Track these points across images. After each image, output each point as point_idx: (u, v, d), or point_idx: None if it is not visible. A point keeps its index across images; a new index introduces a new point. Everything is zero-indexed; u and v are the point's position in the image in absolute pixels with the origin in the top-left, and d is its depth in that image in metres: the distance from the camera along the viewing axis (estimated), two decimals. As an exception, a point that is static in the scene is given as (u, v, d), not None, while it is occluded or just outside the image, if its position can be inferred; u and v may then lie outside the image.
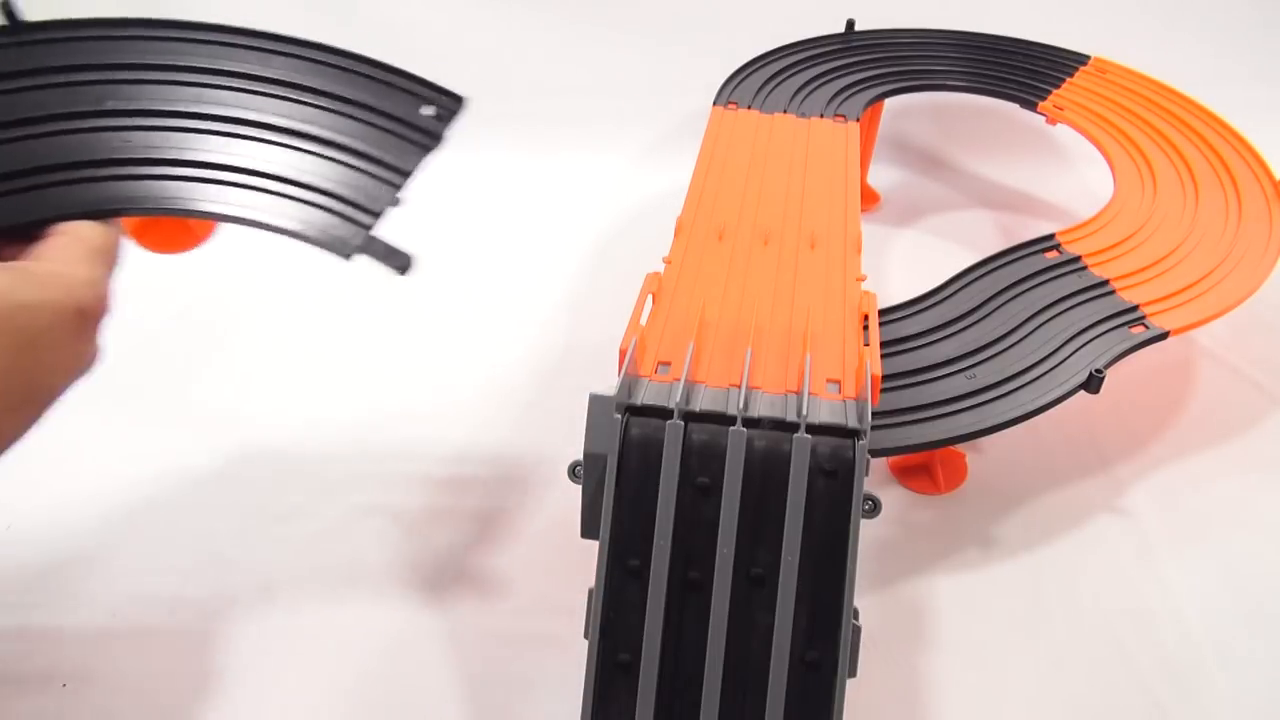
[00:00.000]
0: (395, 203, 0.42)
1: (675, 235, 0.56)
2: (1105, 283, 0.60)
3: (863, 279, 0.52)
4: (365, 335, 0.74)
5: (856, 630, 0.37)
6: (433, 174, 0.77)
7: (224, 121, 0.42)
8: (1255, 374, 0.71)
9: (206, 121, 0.42)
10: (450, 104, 0.47)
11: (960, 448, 0.62)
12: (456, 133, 0.73)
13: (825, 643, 0.36)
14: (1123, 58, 0.83)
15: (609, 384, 0.40)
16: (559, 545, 0.56)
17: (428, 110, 0.46)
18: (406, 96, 0.46)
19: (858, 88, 0.79)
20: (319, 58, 0.45)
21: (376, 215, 0.41)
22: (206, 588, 0.54)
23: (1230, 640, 0.52)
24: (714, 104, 0.75)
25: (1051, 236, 0.64)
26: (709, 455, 0.38)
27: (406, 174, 0.44)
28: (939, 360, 0.55)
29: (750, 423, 0.38)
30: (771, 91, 0.77)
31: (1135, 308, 0.58)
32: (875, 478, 0.62)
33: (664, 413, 0.39)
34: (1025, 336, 0.56)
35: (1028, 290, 0.60)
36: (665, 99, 0.97)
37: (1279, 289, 0.64)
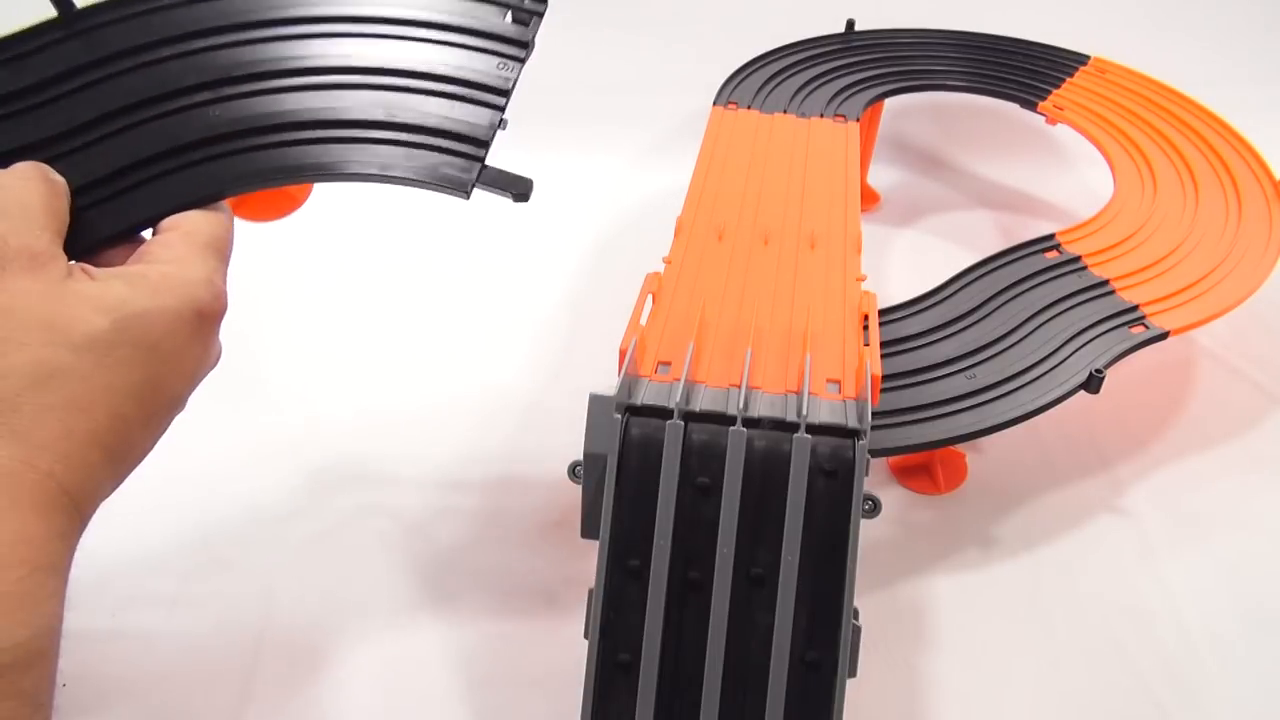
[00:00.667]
0: (501, 125, 0.40)
1: (675, 235, 0.56)
2: (1105, 283, 0.60)
3: (863, 279, 0.52)
4: (365, 335, 0.74)
5: (856, 630, 0.37)
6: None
7: (303, 74, 0.40)
8: (1255, 374, 0.71)
9: (285, 78, 0.39)
10: (532, 4, 0.44)
11: (960, 448, 0.62)
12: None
13: (825, 643, 0.36)
14: (1123, 58, 0.83)
15: (609, 384, 0.40)
16: (559, 545, 0.56)
17: (508, 17, 0.43)
18: (483, 5, 0.43)
19: (858, 88, 0.79)
20: None
21: (485, 144, 0.39)
22: (206, 588, 0.54)
23: (1230, 640, 0.52)
24: (714, 104, 0.75)
25: (1051, 236, 0.64)
26: (709, 455, 0.38)
27: (505, 93, 0.41)
28: (939, 360, 0.55)
29: (750, 423, 0.38)
30: (771, 91, 0.77)
31: (1135, 308, 0.58)
32: (875, 478, 0.62)
33: (664, 413, 0.39)
34: (1025, 336, 0.56)
35: (1028, 290, 0.60)
36: (665, 99, 0.97)
37: (1279, 289, 0.64)
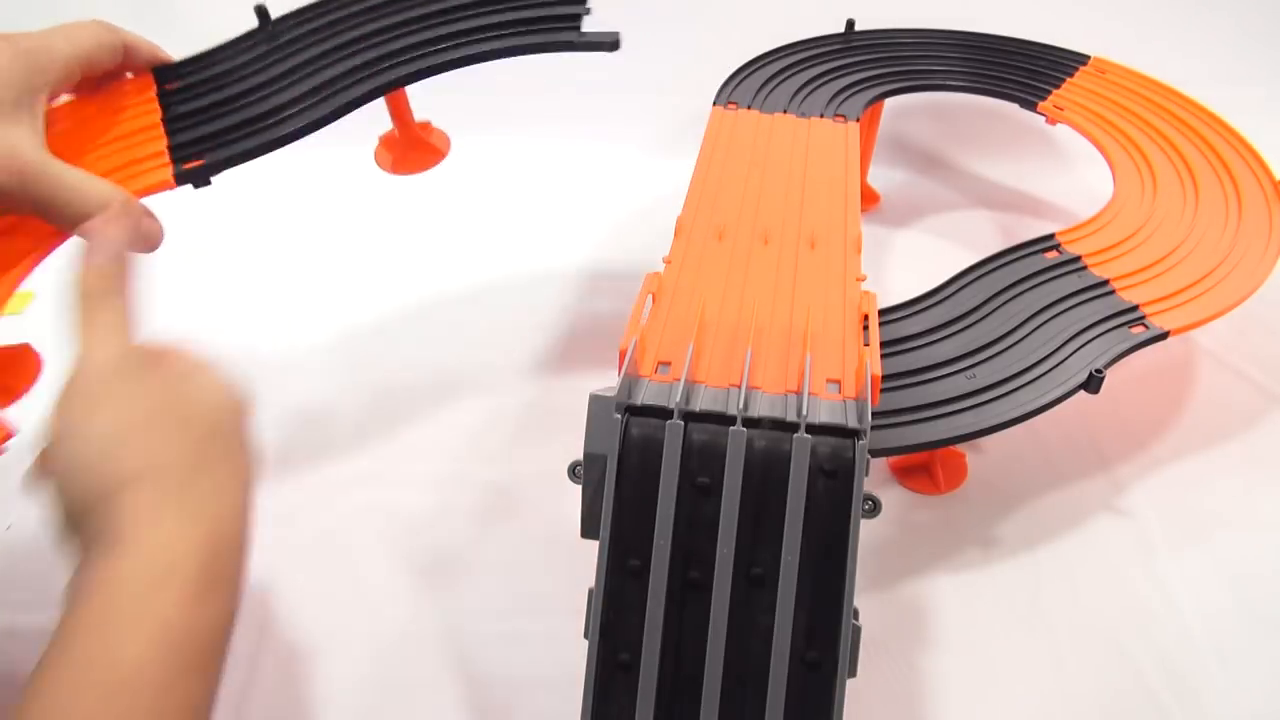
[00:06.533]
0: (587, 10, 0.58)
1: (675, 235, 0.56)
2: (1105, 283, 0.60)
3: (863, 279, 0.52)
4: (366, 335, 0.74)
5: (856, 630, 0.37)
6: (432, 175, 0.77)
7: (443, 14, 0.58)
8: (1255, 374, 0.71)
9: (430, 20, 0.58)
10: None
11: (960, 448, 0.62)
12: (455, 131, 0.73)
13: (825, 643, 0.36)
14: (1123, 58, 0.83)
15: (609, 384, 0.40)
16: (559, 545, 0.56)
17: None
18: None
19: (858, 88, 0.79)
20: None
21: (577, 16, 0.58)
22: (206, 588, 0.54)
23: (1230, 640, 0.52)
24: (714, 104, 0.75)
25: (1051, 236, 0.64)
26: (709, 455, 0.38)
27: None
28: (939, 360, 0.55)
29: (750, 423, 0.38)
30: (771, 91, 0.77)
31: (1135, 308, 0.58)
32: (875, 478, 0.62)
33: (664, 413, 0.39)
34: (1025, 336, 0.56)
35: (1028, 290, 0.60)
36: (665, 99, 0.97)
37: (1279, 289, 0.64)
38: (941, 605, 0.54)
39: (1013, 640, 0.52)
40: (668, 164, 0.82)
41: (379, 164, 0.66)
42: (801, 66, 0.81)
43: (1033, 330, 0.57)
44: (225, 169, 0.50)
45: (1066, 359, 0.55)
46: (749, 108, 0.74)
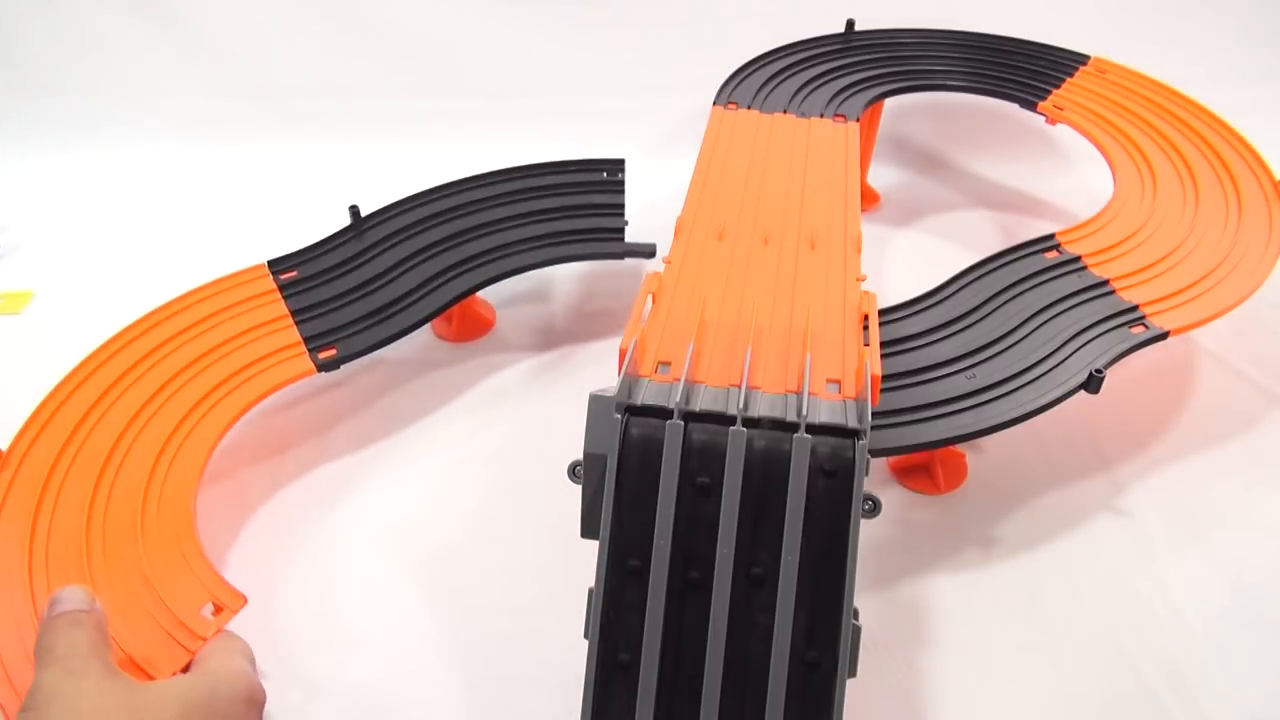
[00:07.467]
0: (625, 223, 0.70)
1: (675, 235, 0.56)
2: (1105, 283, 0.60)
3: (863, 279, 0.52)
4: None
5: (856, 630, 0.37)
6: (432, 175, 0.77)
7: (503, 222, 0.70)
8: (1255, 374, 0.71)
9: (491, 227, 0.70)
10: (615, 166, 0.74)
11: (960, 447, 0.62)
12: (457, 131, 0.73)
13: (825, 643, 0.36)
14: (1123, 58, 0.83)
15: (609, 384, 0.40)
16: (559, 545, 0.56)
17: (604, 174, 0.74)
18: (590, 172, 0.74)
19: (858, 88, 0.79)
20: (543, 174, 0.74)
21: (620, 229, 0.70)
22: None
23: (1230, 640, 0.52)
24: (714, 104, 0.75)
25: (1051, 236, 0.64)
26: (709, 455, 0.38)
27: (620, 206, 0.71)
28: (939, 360, 0.55)
29: (750, 423, 0.38)
30: (771, 91, 0.77)
31: (1135, 308, 0.58)
32: (875, 478, 0.62)
33: (664, 413, 0.39)
34: (1025, 336, 0.56)
35: (1028, 290, 0.60)
36: (665, 99, 0.97)
37: (1279, 289, 0.64)
38: (941, 605, 0.54)
39: (1012, 640, 0.52)
40: (668, 164, 0.82)
41: (437, 332, 0.74)
42: (801, 66, 0.81)
43: (1033, 330, 0.57)
44: (356, 359, 0.61)
45: (1066, 359, 0.55)
46: (749, 108, 0.74)
